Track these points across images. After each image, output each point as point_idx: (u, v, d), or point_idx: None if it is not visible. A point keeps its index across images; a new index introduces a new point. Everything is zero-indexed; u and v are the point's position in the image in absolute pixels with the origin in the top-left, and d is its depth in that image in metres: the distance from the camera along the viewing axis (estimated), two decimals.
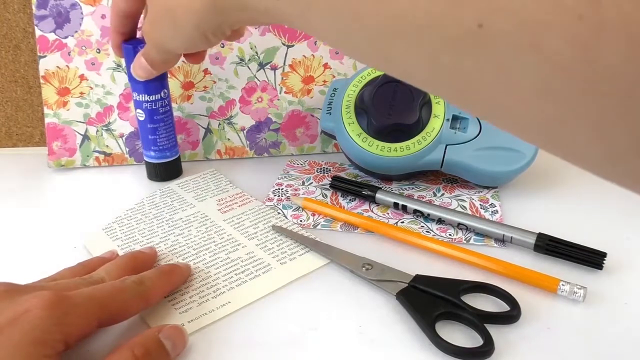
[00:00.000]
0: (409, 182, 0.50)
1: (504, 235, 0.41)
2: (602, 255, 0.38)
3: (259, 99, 0.56)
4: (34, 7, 0.53)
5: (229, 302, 0.36)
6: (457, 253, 0.39)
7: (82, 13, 0.53)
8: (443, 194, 0.48)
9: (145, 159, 0.52)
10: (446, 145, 0.46)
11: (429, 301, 0.34)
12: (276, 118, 0.56)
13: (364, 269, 0.38)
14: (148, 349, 0.29)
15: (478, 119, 0.46)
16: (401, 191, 0.48)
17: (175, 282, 0.37)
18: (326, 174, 0.52)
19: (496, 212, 0.45)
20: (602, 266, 0.37)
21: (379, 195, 0.46)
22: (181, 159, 0.53)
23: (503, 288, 0.35)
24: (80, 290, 0.30)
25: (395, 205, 0.45)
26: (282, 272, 0.39)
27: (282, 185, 0.50)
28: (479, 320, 0.33)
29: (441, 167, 0.47)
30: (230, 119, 0.56)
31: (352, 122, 0.47)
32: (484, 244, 0.41)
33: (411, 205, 0.44)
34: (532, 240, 0.39)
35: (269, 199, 0.48)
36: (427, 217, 0.44)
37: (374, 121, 0.46)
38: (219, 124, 0.56)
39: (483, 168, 0.46)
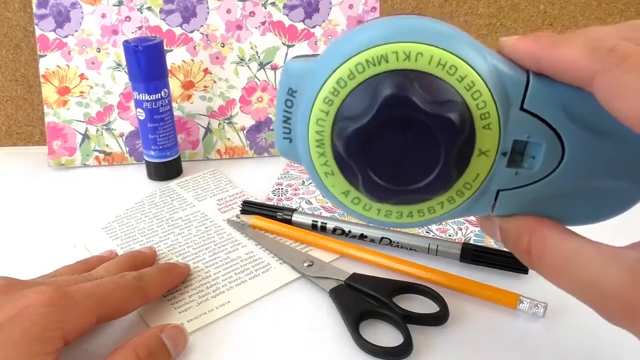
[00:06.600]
0: None
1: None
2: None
3: (259, 99, 0.56)
4: (34, 6, 0.53)
5: (229, 302, 0.36)
6: (412, 269, 0.38)
7: (82, 12, 0.53)
8: None
9: (145, 158, 0.52)
10: (498, 191, 0.25)
11: (358, 299, 0.35)
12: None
13: (305, 264, 0.38)
14: (151, 349, 0.29)
15: (561, 139, 0.24)
16: None
17: (174, 280, 0.37)
18: None
19: None
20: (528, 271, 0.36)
21: (295, 218, 0.43)
22: (181, 159, 0.54)
23: (434, 289, 0.35)
24: (79, 286, 0.30)
25: (314, 226, 0.43)
26: (282, 271, 0.39)
27: (282, 185, 0.50)
28: (403, 321, 0.33)
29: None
30: (230, 118, 0.56)
31: (330, 173, 0.25)
32: (483, 245, 0.41)
33: (330, 225, 0.42)
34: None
35: (268, 198, 0.48)
36: None
37: (371, 183, 0.23)
38: (219, 124, 0.56)
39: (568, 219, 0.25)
